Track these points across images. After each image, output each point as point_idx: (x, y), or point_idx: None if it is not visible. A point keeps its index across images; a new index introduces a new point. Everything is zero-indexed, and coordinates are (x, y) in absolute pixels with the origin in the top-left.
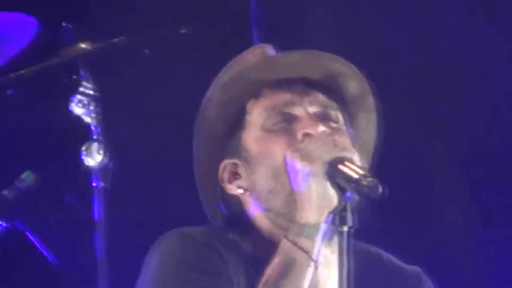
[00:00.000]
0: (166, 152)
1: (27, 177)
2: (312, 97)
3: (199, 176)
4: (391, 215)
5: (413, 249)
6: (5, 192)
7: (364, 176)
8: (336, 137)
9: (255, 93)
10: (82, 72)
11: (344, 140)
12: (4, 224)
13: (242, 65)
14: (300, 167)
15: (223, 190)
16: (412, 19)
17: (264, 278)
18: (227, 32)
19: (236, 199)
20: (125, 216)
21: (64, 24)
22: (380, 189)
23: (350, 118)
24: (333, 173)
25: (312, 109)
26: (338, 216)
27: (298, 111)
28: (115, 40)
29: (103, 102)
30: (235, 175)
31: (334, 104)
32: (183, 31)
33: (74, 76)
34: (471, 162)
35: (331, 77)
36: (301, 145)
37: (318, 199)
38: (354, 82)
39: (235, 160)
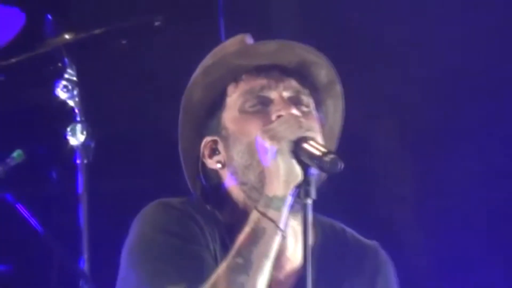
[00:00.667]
0: (147, 129)
1: (18, 155)
2: (287, 83)
3: (182, 151)
4: (341, 190)
5: (363, 223)
6: None
7: (326, 153)
8: (302, 119)
9: (235, 78)
10: (66, 60)
11: (311, 122)
12: None
13: (223, 51)
14: (269, 146)
15: (203, 165)
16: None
17: (236, 245)
18: (195, 23)
19: (215, 173)
20: (106, 190)
21: (48, 16)
22: (340, 165)
23: (320, 104)
24: (298, 151)
25: (286, 94)
26: (303, 189)
27: (273, 95)
28: (96, 31)
29: (85, 87)
30: (214, 151)
31: (306, 91)
32: (157, 23)
33: (59, 64)
34: (417, 136)
35: (304, 66)
36: (270, 125)
37: (285, 175)
38: (325, 71)
39: (215, 138)
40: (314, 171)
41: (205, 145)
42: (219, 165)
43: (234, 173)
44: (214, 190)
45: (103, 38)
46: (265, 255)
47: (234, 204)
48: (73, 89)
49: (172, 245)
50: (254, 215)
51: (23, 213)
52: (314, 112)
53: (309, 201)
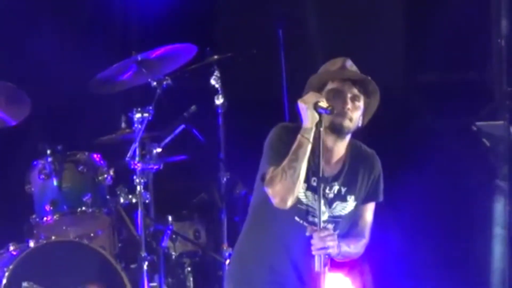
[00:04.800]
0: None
1: (193, 108)
2: (353, 89)
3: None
4: None
5: None
6: None
7: (330, 105)
8: (317, 94)
9: (333, 79)
10: (215, 67)
11: (357, 111)
12: None
13: (332, 67)
14: (304, 105)
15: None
16: None
17: (292, 149)
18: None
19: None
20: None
21: (207, 48)
22: (334, 110)
23: (367, 102)
24: (316, 107)
25: (350, 95)
26: (319, 123)
27: (347, 94)
28: (228, 54)
29: (222, 79)
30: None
31: (361, 95)
32: (254, 51)
33: (213, 69)
34: None
35: (362, 82)
36: (303, 97)
37: (311, 117)
38: (371, 86)
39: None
40: (325, 112)
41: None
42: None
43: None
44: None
45: (230, 58)
46: (303, 154)
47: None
48: (218, 79)
49: (280, 138)
50: (300, 137)
51: (195, 133)
52: (361, 107)
53: (321, 129)
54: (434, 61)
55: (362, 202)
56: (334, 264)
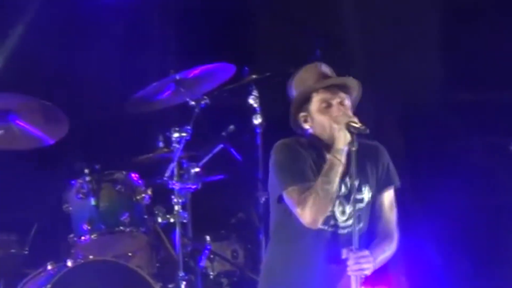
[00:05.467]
0: None
1: (231, 128)
2: (340, 94)
3: (291, 116)
4: None
5: None
6: None
7: (362, 125)
8: (348, 112)
9: (317, 91)
10: (253, 86)
11: (349, 112)
12: None
13: (306, 78)
14: (336, 126)
15: (299, 123)
16: None
17: (323, 171)
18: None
19: (304, 128)
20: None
21: (245, 68)
22: (367, 129)
23: (353, 100)
24: (348, 127)
25: (339, 100)
26: (351, 144)
27: (333, 102)
28: (266, 74)
29: (261, 99)
30: (306, 120)
31: (347, 96)
32: (292, 70)
33: (251, 89)
34: None
35: (346, 85)
36: (336, 118)
37: (343, 138)
38: (353, 84)
39: (306, 114)
40: (355, 133)
41: (302, 116)
42: (307, 126)
43: (314, 130)
44: (304, 133)
45: (268, 77)
46: (336, 175)
47: (313, 139)
48: (256, 99)
49: (289, 155)
50: (330, 157)
51: (233, 152)
52: (349, 104)
53: (353, 148)
54: (472, 80)
55: (377, 190)
56: (371, 280)
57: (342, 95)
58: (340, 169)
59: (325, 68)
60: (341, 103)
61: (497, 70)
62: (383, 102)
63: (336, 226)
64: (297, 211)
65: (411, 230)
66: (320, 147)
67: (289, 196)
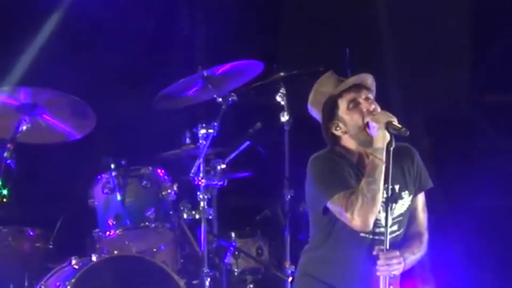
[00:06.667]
0: None
1: (258, 124)
2: (363, 92)
3: (325, 134)
4: None
5: None
6: None
7: (402, 127)
8: (387, 112)
9: (340, 97)
10: (281, 84)
11: (377, 107)
12: None
13: (326, 89)
14: (376, 125)
15: (332, 133)
16: None
17: (366, 171)
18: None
19: (337, 136)
20: None
21: (274, 65)
22: (407, 132)
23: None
24: (388, 127)
25: (364, 96)
26: (390, 142)
27: (360, 99)
28: (294, 72)
29: (288, 96)
30: (337, 127)
31: (370, 93)
32: (321, 69)
33: (279, 86)
34: None
35: (365, 82)
36: (374, 116)
37: (383, 137)
38: (370, 79)
39: (336, 121)
40: (394, 134)
41: (333, 125)
42: (341, 133)
43: (350, 133)
44: (334, 140)
45: (296, 75)
46: (380, 174)
47: (348, 147)
48: (283, 96)
49: (329, 167)
50: (371, 157)
51: (260, 149)
52: (373, 99)
53: (391, 148)
54: (500, 81)
55: (415, 194)
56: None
57: (365, 91)
58: (382, 168)
59: (335, 74)
60: (367, 99)
61: None
62: (411, 103)
63: (379, 233)
64: (347, 216)
65: (439, 232)
66: (354, 154)
67: (336, 203)
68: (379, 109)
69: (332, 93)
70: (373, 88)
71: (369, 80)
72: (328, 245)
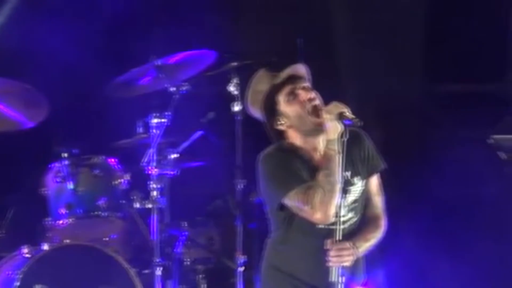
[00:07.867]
0: None
1: (211, 114)
2: (297, 83)
3: (268, 131)
4: None
5: None
6: None
7: (355, 117)
8: (339, 105)
9: (277, 93)
10: (233, 74)
11: (318, 98)
12: None
13: (262, 87)
14: (328, 116)
15: (273, 127)
16: None
17: (322, 163)
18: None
19: (279, 131)
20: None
21: (226, 54)
22: (360, 122)
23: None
24: (340, 118)
25: (301, 86)
26: (344, 133)
27: (297, 90)
28: (246, 62)
29: (240, 86)
30: (280, 120)
31: (306, 80)
32: (273, 59)
33: (232, 76)
34: None
35: (299, 73)
36: (326, 108)
37: (335, 128)
38: (302, 69)
39: (278, 116)
40: (347, 125)
41: (276, 121)
42: (285, 127)
43: (293, 125)
44: (280, 136)
45: (249, 65)
46: (336, 165)
47: (294, 143)
48: (236, 86)
49: (280, 163)
50: (325, 149)
51: (212, 139)
52: (310, 88)
53: (345, 138)
54: (453, 72)
55: (367, 177)
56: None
57: (301, 81)
58: (338, 159)
59: (267, 70)
60: (304, 88)
61: (479, 62)
62: (364, 93)
63: (334, 223)
64: (306, 210)
65: (393, 225)
66: (302, 148)
67: (293, 199)
68: (318, 97)
69: (267, 89)
70: (308, 77)
71: (302, 69)
72: (290, 240)
